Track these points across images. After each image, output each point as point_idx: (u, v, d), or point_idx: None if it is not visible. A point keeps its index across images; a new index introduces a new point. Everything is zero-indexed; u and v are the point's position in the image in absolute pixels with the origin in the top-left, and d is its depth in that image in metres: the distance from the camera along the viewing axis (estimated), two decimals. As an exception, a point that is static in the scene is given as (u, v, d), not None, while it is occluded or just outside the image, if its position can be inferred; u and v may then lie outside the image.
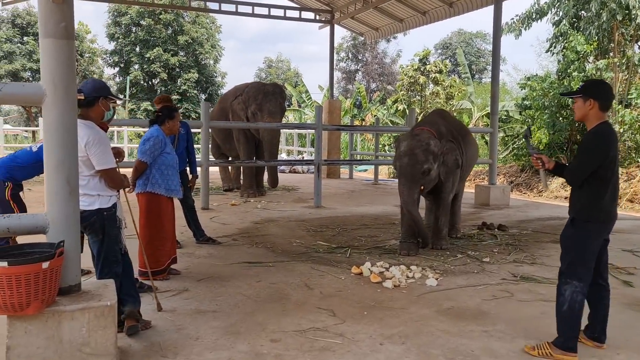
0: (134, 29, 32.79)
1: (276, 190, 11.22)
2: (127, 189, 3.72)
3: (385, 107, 24.15)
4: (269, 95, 9.57)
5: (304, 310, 3.88)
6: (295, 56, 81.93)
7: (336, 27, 15.58)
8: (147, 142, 4.31)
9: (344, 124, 17.27)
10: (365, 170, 17.54)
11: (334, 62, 17.04)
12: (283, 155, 18.65)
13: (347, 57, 39.56)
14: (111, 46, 33.65)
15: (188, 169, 5.87)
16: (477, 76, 37.86)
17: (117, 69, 34.33)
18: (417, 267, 5.01)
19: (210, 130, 10.54)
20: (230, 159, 11.05)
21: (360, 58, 39.31)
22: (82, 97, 3.08)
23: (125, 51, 32.76)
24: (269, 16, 14.74)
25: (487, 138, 14.94)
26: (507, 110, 17.35)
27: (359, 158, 17.01)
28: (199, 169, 8.03)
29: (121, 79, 34.39)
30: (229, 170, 11.22)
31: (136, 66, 32.92)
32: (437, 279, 4.67)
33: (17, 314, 2.56)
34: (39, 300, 2.56)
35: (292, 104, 27.21)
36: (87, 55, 33.68)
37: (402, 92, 22.78)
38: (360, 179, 15.08)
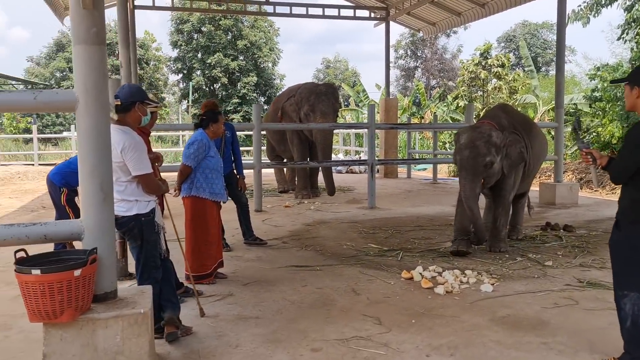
0: (195, 35, 33.71)
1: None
2: (171, 193, 3.70)
3: (445, 104, 23.54)
4: (321, 96, 9.47)
5: (348, 318, 3.72)
6: (354, 56, 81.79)
7: (392, 24, 15.30)
8: (191, 146, 4.30)
9: (399, 122, 16.79)
10: (425, 169, 17.11)
11: (392, 60, 16.74)
12: (340, 156, 18.53)
13: (405, 54, 38.96)
14: (174, 53, 34.77)
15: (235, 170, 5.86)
16: (543, 69, 36.28)
17: (180, 75, 35.43)
18: (472, 271, 4.74)
19: (265, 132, 10.62)
20: (285, 160, 11.05)
21: (419, 55, 38.62)
22: (119, 103, 3.08)
23: (188, 58, 33.73)
24: (323, 16, 14.67)
25: (553, 133, 14.19)
26: (575, 104, 16.44)
27: (417, 157, 16.61)
28: (251, 171, 8.11)
29: (185, 85, 35.47)
30: (284, 172, 11.21)
31: (198, 72, 33.83)
32: (493, 284, 4.39)
33: (52, 322, 2.56)
34: (72, 307, 2.55)
35: (349, 104, 27.06)
36: (152, 63, 34.99)
37: (462, 88, 22.13)
38: (419, 178, 14.72)
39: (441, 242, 6.12)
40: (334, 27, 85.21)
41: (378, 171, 15.91)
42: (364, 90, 24.04)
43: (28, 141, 24.58)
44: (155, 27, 62.90)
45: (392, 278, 4.65)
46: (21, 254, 2.59)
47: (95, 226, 2.77)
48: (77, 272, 2.52)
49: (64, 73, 34.31)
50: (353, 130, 18.80)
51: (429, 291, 4.28)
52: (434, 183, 13.05)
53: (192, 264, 4.35)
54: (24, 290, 2.51)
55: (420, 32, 16.21)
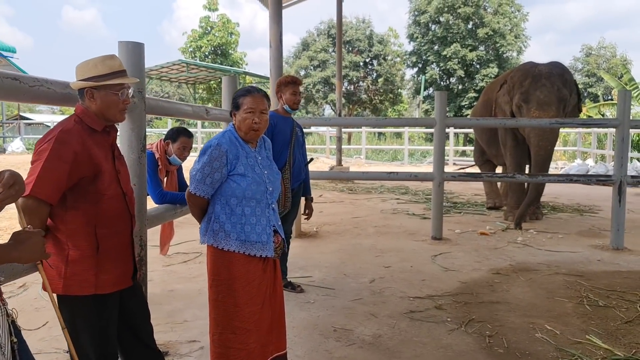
0: (432, 27, 31.80)
1: (561, 211, 8.07)
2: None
3: None
4: (540, 80, 6.64)
5: None
6: (628, 43, 69.50)
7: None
8: (202, 157, 2.39)
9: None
10: None
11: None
12: (576, 163, 14.53)
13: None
14: (410, 47, 33.46)
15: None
16: None
17: (415, 69, 33.96)
18: None
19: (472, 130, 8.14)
20: (498, 168, 8.44)
21: None
22: None
23: (423, 50, 32.01)
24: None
25: None
26: None
27: None
28: (429, 184, 5.89)
29: (418, 79, 33.92)
30: (496, 183, 8.57)
31: (433, 65, 31.86)
32: None
33: None
34: None
35: (612, 97, 21.95)
36: (389, 58, 34.24)
37: None
38: None
39: None
40: (603, 12, 73.76)
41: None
42: (631, 79, 18.92)
43: None
44: (402, 24, 62.72)
45: None
46: None
47: None
48: None
49: (307, 71, 35.82)
50: (610, 130, 14.60)
51: None
52: None
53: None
54: None
55: None
